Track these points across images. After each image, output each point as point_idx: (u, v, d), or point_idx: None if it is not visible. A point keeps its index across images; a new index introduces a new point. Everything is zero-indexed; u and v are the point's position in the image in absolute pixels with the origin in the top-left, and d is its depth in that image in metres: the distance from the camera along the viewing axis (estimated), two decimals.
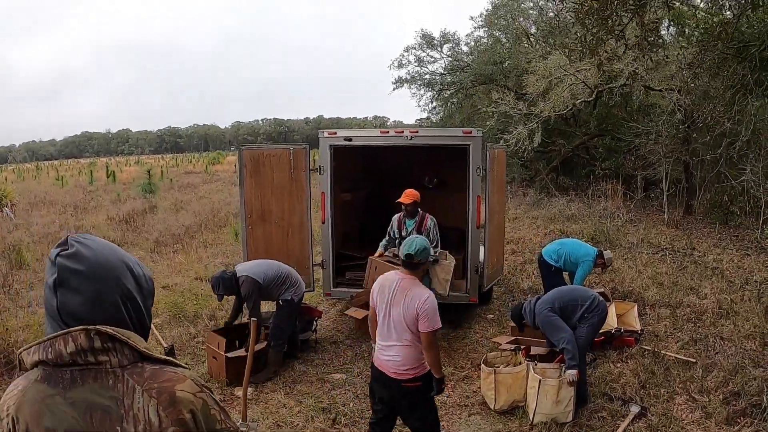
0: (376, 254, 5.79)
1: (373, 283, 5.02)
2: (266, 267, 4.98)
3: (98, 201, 16.34)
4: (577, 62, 10.80)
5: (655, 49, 5.85)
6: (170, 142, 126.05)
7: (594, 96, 11.15)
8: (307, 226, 6.24)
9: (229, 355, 4.73)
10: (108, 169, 24.15)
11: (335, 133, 6.32)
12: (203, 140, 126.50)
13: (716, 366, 4.71)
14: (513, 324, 5.69)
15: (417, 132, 6.22)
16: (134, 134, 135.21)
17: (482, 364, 4.53)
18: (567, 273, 6.00)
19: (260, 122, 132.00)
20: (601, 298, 4.53)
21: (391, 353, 3.13)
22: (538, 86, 12.51)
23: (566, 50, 8.15)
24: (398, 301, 3.11)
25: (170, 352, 5.14)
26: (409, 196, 5.45)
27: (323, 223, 6.32)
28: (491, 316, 6.63)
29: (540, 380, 4.14)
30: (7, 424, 1.09)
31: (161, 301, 6.94)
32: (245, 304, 4.92)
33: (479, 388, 4.76)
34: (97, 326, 1.07)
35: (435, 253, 5.14)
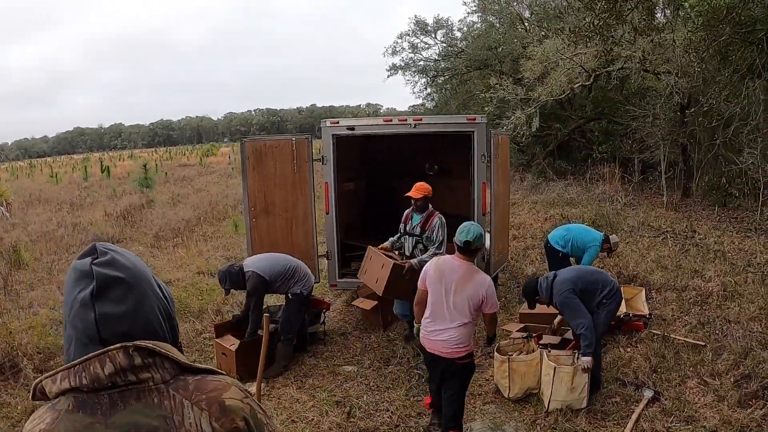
0: (379, 246, 5.69)
1: (366, 272, 5.04)
2: (273, 261, 4.93)
3: (94, 197, 16.17)
4: (575, 47, 10.73)
5: (656, 33, 5.80)
6: (163, 135, 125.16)
7: (591, 80, 11.06)
8: (311, 217, 6.18)
9: (231, 348, 4.67)
10: (102, 164, 23.83)
11: (338, 123, 6.23)
12: (196, 132, 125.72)
13: (725, 349, 4.73)
14: (523, 307, 5.74)
15: (421, 120, 6.16)
16: (127, 128, 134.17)
17: (495, 353, 4.51)
18: (573, 258, 5.99)
19: (253, 113, 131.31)
20: (619, 285, 4.52)
21: (446, 335, 3.38)
22: (534, 71, 12.42)
23: (571, 35, 8.05)
24: (461, 288, 3.36)
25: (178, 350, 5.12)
26: (419, 190, 5.11)
27: (327, 213, 6.27)
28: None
29: (555, 368, 4.13)
30: None
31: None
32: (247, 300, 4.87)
33: (491, 376, 4.76)
34: (135, 342, 0.99)
35: (440, 252, 4.85)
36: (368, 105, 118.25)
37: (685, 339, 5.01)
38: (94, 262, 1.02)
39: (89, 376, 0.96)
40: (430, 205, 5.18)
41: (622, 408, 4.15)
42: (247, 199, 5.94)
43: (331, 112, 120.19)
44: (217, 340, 4.86)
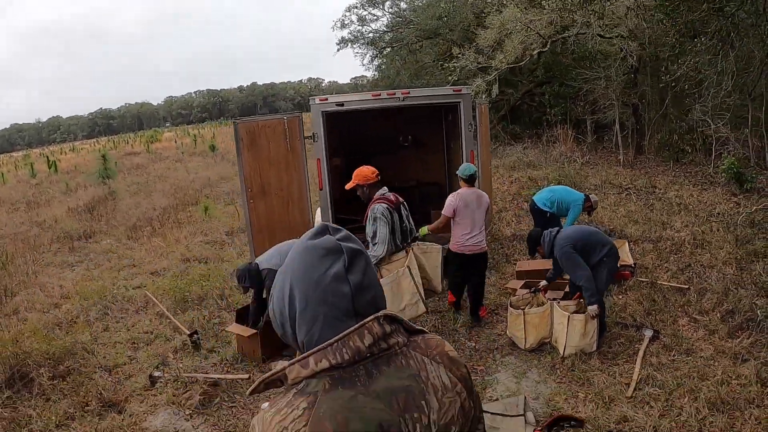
0: None
1: None
2: (283, 253, 4.89)
3: (48, 194, 15.24)
4: (530, 14, 11.03)
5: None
6: (103, 124, 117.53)
7: (548, 46, 11.43)
8: (306, 195, 6.17)
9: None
10: (48, 159, 22.17)
11: (326, 99, 6.19)
12: (137, 119, 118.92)
13: (707, 290, 5.25)
14: (519, 265, 6.08)
15: (409, 93, 6.22)
16: (65, 121, 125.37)
17: (510, 308, 4.78)
18: (561, 218, 6.33)
19: (193, 95, 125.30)
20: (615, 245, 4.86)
21: (480, 238, 5.03)
22: (488, 39, 12.66)
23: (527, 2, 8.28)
24: (479, 206, 5.04)
25: (194, 336, 5.04)
26: (353, 177, 4.39)
27: (321, 189, 6.25)
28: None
29: (569, 316, 4.45)
30: None
31: (159, 287, 6.67)
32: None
33: (503, 330, 5.05)
34: (383, 311, 1.03)
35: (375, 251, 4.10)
36: (310, 80, 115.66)
37: (670, 284, 5.50)
38: (338, 238, 1.05)
39: (350, 351, 0.96)
40: (382, 190, 4.34)
41: (628, 347, 4.55)
42: (243, 181, 5.82)
43: (273, 88, 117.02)
44: (236, 325, 4.83)
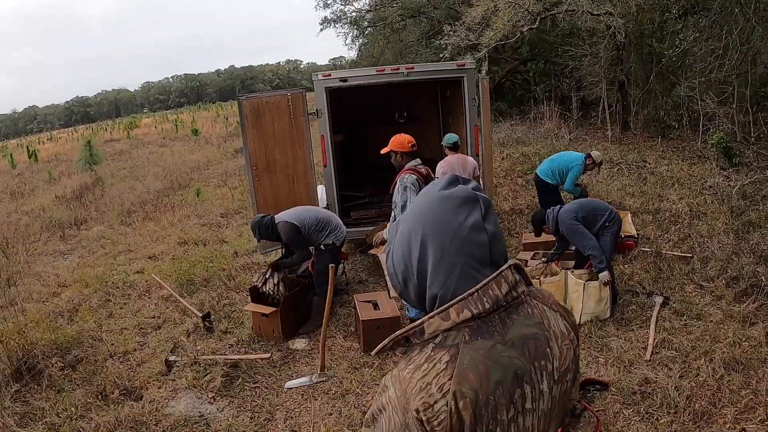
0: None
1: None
2: (303, 213, 4.92)
3: (32, 183, 14.68)
4: None
5: None
6: (80, 113, 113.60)
7: (537, 23, 11.35)
8: (310, 172, 6.04)
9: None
10: (28, 149, 21.30)
11: (329, 75, 6.03)
12: (114, 106, 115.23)
13: (710, 258, 5.33)
14: (525, 237, 6.09)
15: (413, 68, 6.09)
16: (41, 110, 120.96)
17: None
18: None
19: (171, 80, 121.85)
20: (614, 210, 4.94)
21: None
22: (476, 16, 12.51)
23: None
24: (465, 169, 5.34)
25: (207, 318, 4.91)
26: (389, 144, 4.29)
27: (325, 166, 6.12)
28: None
29: (584, 284, 4.48)
30: (447, 406, 0.90)
31: (161, 271, 6.47)
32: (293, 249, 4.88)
33: None
34: (513, 260, 1.02)
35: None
36: (288, 62, 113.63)
37: (674, 253, 5.58)
38: (472, 187, 1.02)
39: (490, 300, 0.94)
40: (414, 161, 4.23)
41: (640, 314, 4.62)
42: (249, 158, 5.64)
43: (251, 71, 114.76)
44: (253, 304, 4.71)
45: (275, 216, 4.85)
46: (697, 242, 5.79)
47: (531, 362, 0.97)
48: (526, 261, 5.52)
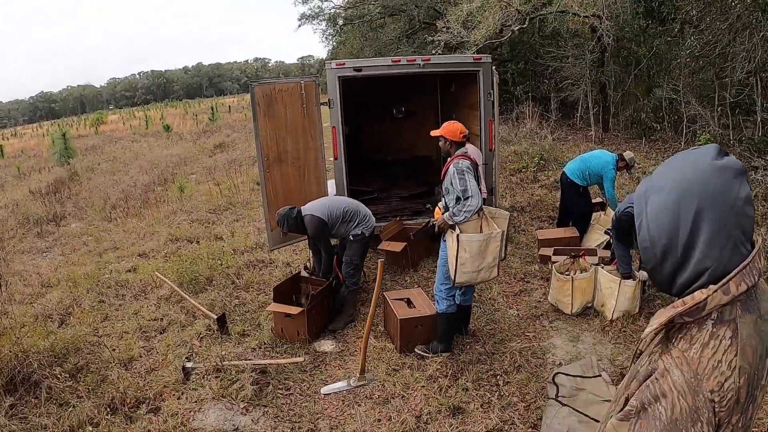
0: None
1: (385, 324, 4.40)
2: (330, 204, 4.61)
3: (1, 178, 13.51)
4: None
5: None
6: (45, 108, 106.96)
7: (526, 23, 11.26)
8: (321, 164, 5.63)
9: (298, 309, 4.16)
10: None
11: (344, 64, 5.64)
12: (79, 102, 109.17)
13: None
14: (539, 233, 5.86)
15: (429, 60, 5.79)
16: (5, 105, 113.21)
17: (557, 274, 4.59)
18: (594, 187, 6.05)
19: (137, 76, 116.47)
20: None
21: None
22: (459, 15, 12.34)
23: None
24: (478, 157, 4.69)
25: (222, 321, 4.45)
26: (441, 129, 3.88)
27: (336, 159, 5.73)
28: None
29: (620, 281, 4.31)
30: (734, 384, 0.87)
31: (157, 269, 5.91)
32: (317, 244, 4.56)
33: (541, 297, 4.88)
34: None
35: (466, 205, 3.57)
36: (256, 60, 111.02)
37: None
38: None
39: (756, 273, 0.92)
40: (463, 149, 3.85)
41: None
42: (260, 148, 5.18)
43: (219, 68, 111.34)
44: (276, 304, 4.28)
45: (302, 208, 4.56)
46: None
47: None
48: (548, 257, 5.32)
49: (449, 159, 3.82)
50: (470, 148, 5.26)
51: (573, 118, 13.53)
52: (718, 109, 8.95)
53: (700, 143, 8.60)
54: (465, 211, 3.58)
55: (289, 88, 5.26)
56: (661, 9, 9.22)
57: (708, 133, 8.67)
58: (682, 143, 9.35)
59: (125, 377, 3.90)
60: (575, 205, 5.87)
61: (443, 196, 3.87)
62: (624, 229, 4.31)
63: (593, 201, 6.32)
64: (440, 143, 3.91)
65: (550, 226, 6.71)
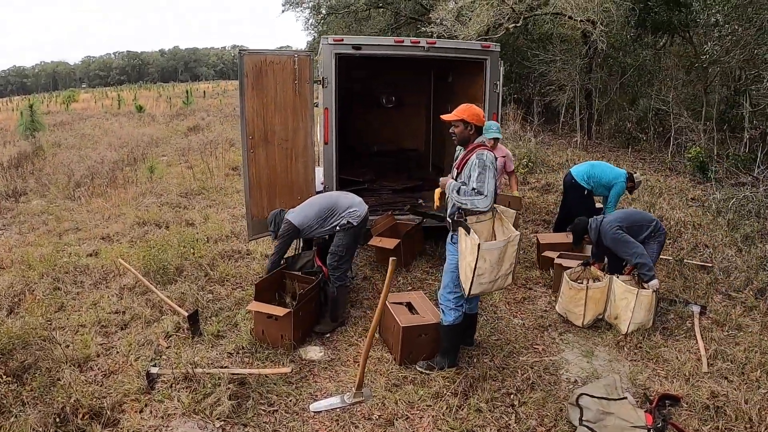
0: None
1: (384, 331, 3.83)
2: (308, 208, 4.08)
3: None
4: None
5: None
6: (16, 83, 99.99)
7: (520, 22, 10.87)
8: (311, 148, 5.01)
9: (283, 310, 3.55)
10: None
11: (341, 40, 5.02)
12: (52, 79, 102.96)
13: (732, 268, 4.96)
14: (541, 237, 5.44)
15: (435, 43, 5.25)
16: None
17: (569, 282, 4.16)
18: (597, 197, 5.69)
19: (112, 56, 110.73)
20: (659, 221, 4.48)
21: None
22: (451, 9, 11.87)
23: None
24: None
25: (193, 319, 3.81)
26: (456, 112, 3.28)
27: (326, 143, 5.11)
28: None
29: (638, 291, 3.92)
30: None
31: (121, 254, 5.16)
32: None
33: (547, 306, 4.47)
34: None
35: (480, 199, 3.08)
36: (234, 46, 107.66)
37: (695, 261, 5.20)
38: None
39: None
40: (482, 138, 3.31)
41: (681, 323, 4.16)
42: (245, 125, 4.53)
43: (196, 53, 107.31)
44: (258, 303, 3.65)
45: (288, 210, 4.15)
46: (706, 252, 5.46)
47: None
48: (552, 259, 4.89)
49: (469, 147, 3.25)
50: (504, 151, 5.42)
51: (556, 124, 13.27)
52: (709, 124, 8.78)
53: (690, 156, 8.40)
54: (472, 204, 3.07)
55: (281, 61, 4.62)
56: (655, 19, 8.98)
57: (698, 146, 8.48)
58: (669, 155, 9.17)
59: (79, 381, 3.21)
60: (579, 207, 5.47)
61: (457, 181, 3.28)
62: (629, 236, 4.19)
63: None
64: (455, 129, 3.26)
65: (545, 230, 6.32)
